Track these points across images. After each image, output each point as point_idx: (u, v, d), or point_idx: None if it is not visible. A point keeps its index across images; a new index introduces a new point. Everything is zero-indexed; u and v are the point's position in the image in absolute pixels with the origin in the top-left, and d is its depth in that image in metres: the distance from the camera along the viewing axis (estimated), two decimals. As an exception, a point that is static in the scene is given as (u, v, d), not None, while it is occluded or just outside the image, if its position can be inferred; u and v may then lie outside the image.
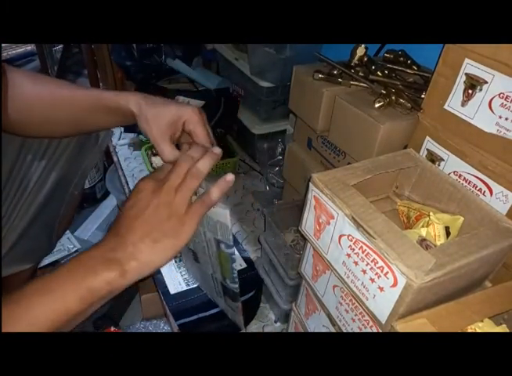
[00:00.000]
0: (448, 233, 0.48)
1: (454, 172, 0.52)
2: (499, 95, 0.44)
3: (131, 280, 0.38)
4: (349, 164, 0.53)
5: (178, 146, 0.51)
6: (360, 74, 0.67)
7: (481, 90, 0.46)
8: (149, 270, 0.40)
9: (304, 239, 0.53)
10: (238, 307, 0.60)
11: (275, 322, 0.78)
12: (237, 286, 0.55)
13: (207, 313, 0.66)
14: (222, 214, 0.45)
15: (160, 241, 0.39)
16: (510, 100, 0.44)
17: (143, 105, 0.49)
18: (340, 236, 0.44)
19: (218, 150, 0.46)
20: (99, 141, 0.69)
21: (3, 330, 0.32)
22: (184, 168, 0.42)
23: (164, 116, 0.49)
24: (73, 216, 0.79)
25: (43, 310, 0.34)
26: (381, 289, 0.40)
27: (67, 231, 0.90)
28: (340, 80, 0.67)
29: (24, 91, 0.51)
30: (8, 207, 0.59)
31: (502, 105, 0.44)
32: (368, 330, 0.46)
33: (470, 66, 0.46)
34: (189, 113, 0.49)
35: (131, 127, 1.08)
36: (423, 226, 0.47)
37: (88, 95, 0.52)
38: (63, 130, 0.57)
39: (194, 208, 0.41)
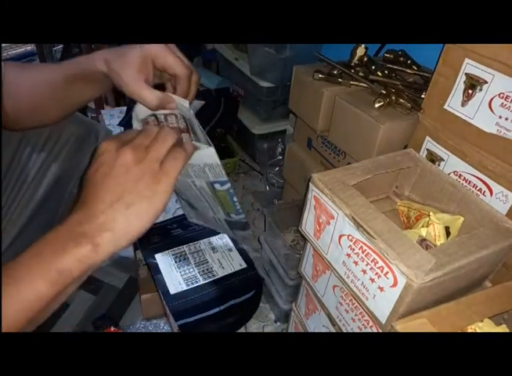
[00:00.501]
0: (448, 233, 0.48)
1: (454, 172, 0.52)
2: (499, 95, 0.44)
3: (105, 253, 0.34)
4: (349, 164, 0.53)
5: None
6: (360, 74, 0.67)
7: (481, 90, 0.46)
8: (126, 240, 0.35)
9: (304, 239, 0.53)
10: (250, 234, 0.58)
11: (276, 322, 0.78)
12: (243, 216, 0.52)
13: (207, 313, 0.66)
14: (207, 154, 0.41)
15: (134, 204, 0.35)
16: (510, 100, 0.44)
17: (110, 59, 0.46)
18: (340, 236, 0.44)
19: (195, 77, 0.46)
20: (99, 138, 0.69)
21: None
22: (154, 129, 0.38)
23: (131, 62, 0.45)
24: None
25: (13, 302, 0.31)
26: (381, 289, 0.40)
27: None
28: (340, 80, 0.67)
29: (10, 82, 0.49)
30: (7, 200, 0.58)
31: (502, 105, 0.44)
32: (368, 330, 0.46)
33: (470, 66, 0.46)
34: (153, 49, 0.45)
35: (131, 127, 1.07)
36: (423, 226, 0.47)
37: (62, 70, 0.50)
38: (51, 113, 0.55)
39: (169, 163, 0.36)
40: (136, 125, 0.49)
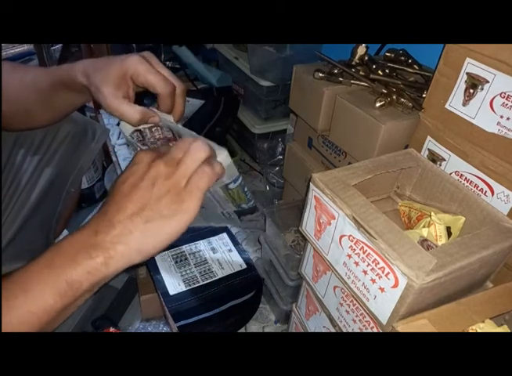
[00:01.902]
0: (449, 234, 0.47)
1: (455, 172, 0.52)
2: (501, 94, 0.44)
3: (117, 268, 0.33)
4: (350, 163, 0.52)
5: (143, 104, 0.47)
6: (361, 73, 0.67)
7: (482, 89, 0.46)
8: (140, 257, 0.34)
9: (305, 239, 0.53)
10: (257, 216, 0.61)
11: (276, 323, 0.78)
12: (254, 201, 0.52)
13: (206, 314, 0.66)
14: (222, 156, 0.40)
15: (154, 221, 0.33)
16: (511, 100, 0.43)
17: (89, 73, 0.44)
18: (341, 237, 0.44)
19: (180, 90, 0.45)
20: (95, 138, 0.68)
21: None
22: (188, 140, 0.36)
23: (110, 77, 0.43)
24: (70, 215, 0.78)
25: (20, 314, 0.31)
26: (382, 290, 0.40)
27: (65, 231, 0.89)
28: (340, 79, 0.67)
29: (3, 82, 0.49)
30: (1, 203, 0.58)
31: (503, 104, 0.44)
32: (369, 330, 0.46)
33: (472, 66, 0.46)
34: (133, 66, 0.43)
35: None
36: (424, 226, 0.47)
37: (47, 75, 0.49)
38: (37, 117, 0.54)
39: (195, 182, 0.35)
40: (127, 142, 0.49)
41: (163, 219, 0.34)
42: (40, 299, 0.31)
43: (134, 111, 0.43)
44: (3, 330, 0.30)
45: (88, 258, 0.32)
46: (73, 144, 0.65)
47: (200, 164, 0.36)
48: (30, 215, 0.61)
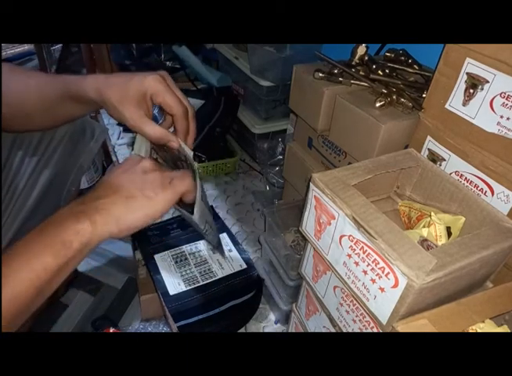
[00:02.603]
0: (449, 234, 0.47)
1: (455, 172, 0.52)
2: (501, 94, 0.44)
3: (100, 233, 0.38)
4: (350, 163, 0.52)
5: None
6: (361, 73, 0.67)
7: (482, 89, 0.46)
8: (117, 229, 0.38)
9: (305, 239, 0.53)
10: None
11: (276, 323, 0.78)
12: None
13: (206, 314, 0.66)
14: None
15: (135, 198, 0.39)
16: (511, 100, 0.43)
17: (104, 90, 0.46)
18: (341, 237, 0.44)
19: (191, 113, 0.50)
20: (94, 136, 0.68)
21: None
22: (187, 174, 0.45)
23: (130, 98, 0.46)
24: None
25: (23, 271, 0.34)
26: (382, 290, 0.40)
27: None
28: (340, 79, 0.67)
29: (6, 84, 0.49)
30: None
31: (503, 104, 0.44)
32: (369, 331, 0.46)
33: (472, 66, 0.46)
34: (151, 86, 0.46)
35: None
36: (424, 227, 0.47)
37: (55, 84, 0.50)
38: (36, 122, 0.55)
39: (177, 180, 0.42)
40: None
41: (144, 199, 0.39)
42: (38, 258, 0.35)
43: (156, 131, 0.47)
44: (12, 287, 0.34)
45: (76, 221, 0.37)
46: (71, 143, 0.65)
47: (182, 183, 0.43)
48: (29, 216, 0.61)
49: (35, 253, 0.35)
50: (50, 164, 0.63)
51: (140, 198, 0.39)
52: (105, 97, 0.46)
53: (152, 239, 0.75)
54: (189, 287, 0.67)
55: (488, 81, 0.45)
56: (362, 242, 0.41)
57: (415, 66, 0.73)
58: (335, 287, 0.50)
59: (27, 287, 0.34)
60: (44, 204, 0.64)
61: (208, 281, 0.68)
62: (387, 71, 0.68)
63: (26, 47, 1.93)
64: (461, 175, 0.51)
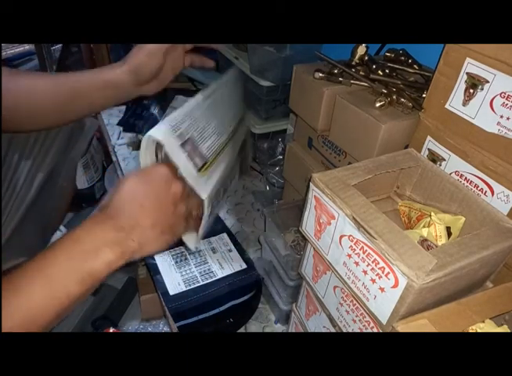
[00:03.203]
0: (449, 234, 0.47)
1: (455, 172, 0.52)
2: (501, 94, 0.44)
3: (124, 262, 0.37)
4: (350, 163, 0.52)
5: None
6: (361, 73, 0.67)
7: (482, 89, 0.46)
8: (142, 256, 0.39)
9: (305, 239, 0.53)
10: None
11: (276, 323, 0.78)
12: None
13: (206, 315, 0.66)
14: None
15: (166, 234, 0.40)
16: (511, 100, 0.43)
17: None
18: (341, 237, 0.44)
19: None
20: (84, 129, 0.69)
21: (3, 321, 0.31)
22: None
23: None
24: (67, 210, 0.78)
25: (45, 297, 0.33)
26: (382, 290, 0.40)
27: (64, 229, 0.89)
28: (340, 79, 0.67)
29: (8, 87, 0.50)
30: None
31: (503, 104, 0.44)
32: (369, 331, 0.46)
33: (472, 66, 0.46)
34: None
35: (131, 127, 1.07)
36: (424, 227, 0.47)
37: (65, 82, 0.53)
38: (50, 120, 0.56)
39: (193, 222, 0.45)
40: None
41: (171, 236, 0.41)
42: (63, 286, 0.34)
43: None
44: (31, 312, 0.32)
45: (110, 252, 0.35)
46: (64, 140, 0.65)
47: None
48: (25, 214, 0.62)
49: (60, 279, 0.34)
50: (43, 167, 0.63)
51: (169, 235, 0.40)
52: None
53: (152, 239, 0.75)
54: (189, 287, 0.66)
55: (488, 81, 0.45)
56: (362, 242, 0.41)
57: (415, 66, 0.73)
58: (335, 287, 0.50)
59: (47, 314, 0.33)
60: (39, 202, 0.64)
61: (208, 281, 0.68)
62: (387, 71, 0.68)
63: (26, 47, 1.93)
64: (461, 175, 0.51)
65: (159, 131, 0.40)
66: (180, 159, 0.41)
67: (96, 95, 0.52)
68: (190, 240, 0.47)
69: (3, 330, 0.31)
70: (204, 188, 0.43)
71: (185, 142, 0.42)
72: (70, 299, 0.34)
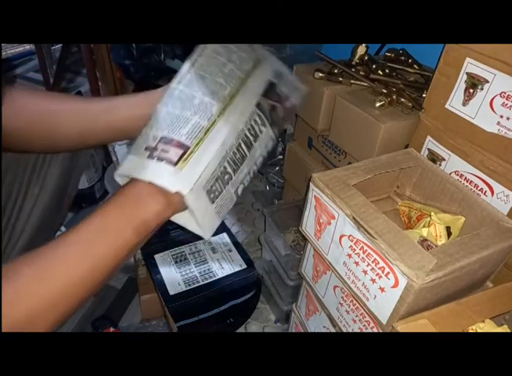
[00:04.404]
0: (449, 234, 0.47)
1: (455, 172, 0.52)
2: (501, 94, 0.44)
3: (171, 214, 0.38)
4: (350, 163, 0.52)
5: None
6: (361, 73, 0.67)
7: (482, 89, 0.46)
8: (183, 208, 0.39)
9: (305, 239, 0.53)
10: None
11: (276, 323, 0.78)
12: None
13: (206, 314, 0.66)
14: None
15: None
16: (511, 100, 0.43)
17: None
18: (341, 237, 0.44)
19: None
20: None
21: (69, 268, 0.33)
22: None
23: None
24: (67, 210, 0.78)
25: (107, 247, 0.35)
26: (382, 289, 0.40)
27: (64, 229, 0.89)
28: (340, 79, 0.67)
29: (27, 107, 0.49)
30: (7, 223, 0.58)
31: (503, 104, 0.44)
32: (369, 330, 0.46)
33: (471, 66, 0.46)
34: None
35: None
36: (424, 226, 0.47)
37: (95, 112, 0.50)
38: (66, 144, 0.54)
39: None
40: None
41: None
42: (122, 236, 0.35)
43: None
44: (94, 261, 0.34)
45: (156, 202, 0.36)
46: (67, 161, 0.64)
47: None
48: (34, 234, 0.60)
49: (118, 230, 0.35)
50: (51, 183, 0.62)
51: None
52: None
53: (152, 239, 0.75)
54: (189, 287, 0.67)
55: (488, 81, 0.45)
56: (362, 242, 0.41)
57: (415, 65, 0.73)
58: (335, 287, 0.50)
59: (110, 262, 0.35)
60: (48, 215, 0.63)
61: (208, 281, 0.68)
62: (387, 71, 0.68)
63: (26, 47, 1.93)
64: (461, 174, 0.51)
65: (123, 169, 0.37)
66: (147, 174, 0.36)
67: (130, 126, 0.49)
68: (198, 230, 0.42)
69: (71, 279, 0.33)
70: (187, 181, 0.37)
71: (153, 148, 0.37)
72: (129, 249, 0.36)
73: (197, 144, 0.37)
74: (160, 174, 0.36)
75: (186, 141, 0.37)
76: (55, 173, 0.62)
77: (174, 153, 0.37)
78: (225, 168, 0.40)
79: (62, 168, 0.63)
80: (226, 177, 0.40)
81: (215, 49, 0.41)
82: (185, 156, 0.37)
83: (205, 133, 0.38)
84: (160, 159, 0.36)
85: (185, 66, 0.40)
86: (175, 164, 0.36)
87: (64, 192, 0.66)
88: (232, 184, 0.41)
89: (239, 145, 0.41)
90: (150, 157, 0.37)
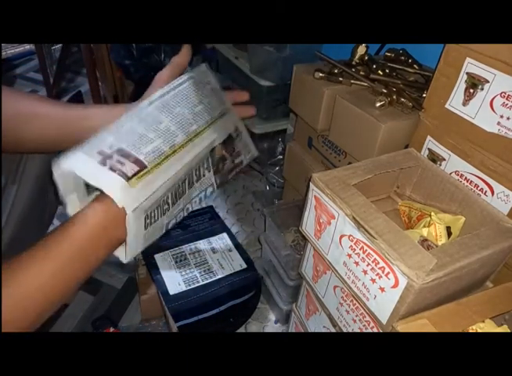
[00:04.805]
0: (449, 234, 0.47)
1: (455, 172, 0.52)
2: (501, 94, 0.44)
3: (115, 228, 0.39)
4: (350, 163, 0.52)
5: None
6: (361, 72, 0.67)
7: (482, 89, 0.46)
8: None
9: (305, 239, 0.53)
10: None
11: (276, 323, 0.78)
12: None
13: (206, 314, 0.66)
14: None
15: None
16: (511, 100, 0.43)
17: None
18: (341, 237, 0.44)
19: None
20: None
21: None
22: None
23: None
24: (55, 209, 0.77)
25: (80, 261, 0.36)
26: (382, 289, 0.40)
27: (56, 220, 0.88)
28: (340, 79, 0.67)
29: (4, 107, 0.47)
30: None
31: (503, 104, 0.44)
32: (369, 330, 0.46)
33: (472, 66, 0.46)
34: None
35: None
36: (424, 226, 0.47)
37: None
38: (39, 147, 0.53)
39: None
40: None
41: None
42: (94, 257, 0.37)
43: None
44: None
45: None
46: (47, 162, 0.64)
47: None
48: (14, 237, 0.60)
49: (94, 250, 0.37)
50: (29, 182, 0.61)
51: None
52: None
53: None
54: (189, 287, 0.67)
55: (488, 81, 0.45)
56: (362, 242, 0.41)
57: (415, 65, 0.73)
58: (335, 287, 0.50)
59: (80, 275, 0.36)
60: (29, 214, 0.62)
61: (208, 281, 0.68)
62: (387, 71, 0.68)
63: (26, 47, 1.93)
64: (461, 174, 0.51)
65: (70, 165, 0.36)
66: (100, 181, 0.35)
67: None
68: (120, 252, 0.41)
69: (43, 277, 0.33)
70: (135, 199, 0.36)
71: (108, 155, 0.36)
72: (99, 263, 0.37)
73: (155, 166, 0.37)
74: (112, 185, 0.35)
75: (145, 160, 0.37)
76: (33, 172, 0.61)
77: (129, 167, 0.36)
78: (167, 198, 0.40)
79: (41, 166, 0.62)
80: (165, 207, 0.41)
81: (189, 88, 0.42)
82: (140, 174, 0.36)
83: (164, 158, 0.38)
84: (113, 169, 0.35)
85: (159, 92, 0.41)
86: (129, 179, 0.35)
87: (46, 190, 0.65)
88: (167, 216, 0.41)
89: (184, 180, 0.41)
90: (102, 163, 0.35)
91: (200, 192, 0.45)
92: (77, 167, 0.35)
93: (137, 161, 0.36)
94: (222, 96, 0.46)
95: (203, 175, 0.44)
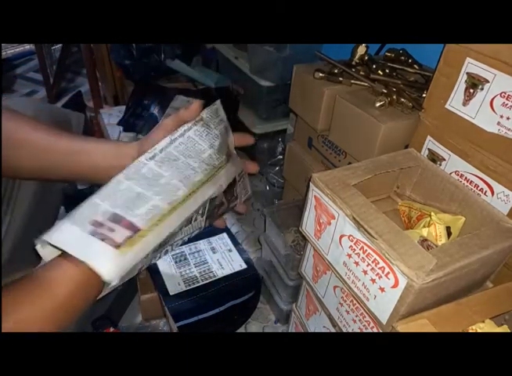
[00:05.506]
0: (449, 234, 0.47)
1: (455, 172, 0.52)
2: (501, 94, 0.44)
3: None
4: (350, 163, 0.52)
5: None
6: (361, 73, 0.67)
7: (482, 89, 0.46)
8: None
9: (305, 239, 0.53)
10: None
11: (276, 323, 0.78)
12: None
13: (206, 314, 0.66)
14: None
15: None
16: (511, 100, 0.43)
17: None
18: (341, 237, 0.44)
19: None
20: (72, 127, 0.65)
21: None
22: None
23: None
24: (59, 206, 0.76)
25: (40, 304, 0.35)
26: (382, 289, 0.40)
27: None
28: (340, 79, 0.67)
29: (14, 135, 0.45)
30: None
31: (503, 104, 0.44)
32: (369, 330, 0.46)
33: (472, 66, 0.46)
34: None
35: (130, 126, 1.07)
36: (424, 226, 0.47)
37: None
38: (27, 176, 0.52)
39: None
40: None
41: None
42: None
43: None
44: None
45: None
46: None
47: None
48: (16, 245, 0.58)
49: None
50: (21, 209, 0.59)
51: None
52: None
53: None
54: (188, 287, 0.66)
55: (488, 81, 0.45)
56: (362, 242, 0.41)
57: (415, 65, 0.73)
58: (335, 287, 0.50)
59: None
60: (23, 240, 0.61)
61: (208, 281, 0.68)
62: (387, 71, 0.68)
63: (26, 47, 1.93)
64: (461, 174, 0.51)
65: (59, 240, 0.33)
66: (87, 254, 0.33)
67: (93, 175, 0.45)
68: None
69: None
70: (122, 268, 0.35)
71: (100, 223, 0.34)
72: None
73: (151, 227, 0.35)
74: (98, 257, 0.33)
75: (138, 222, 0.34)
76: (26, 199, 0.58)
77: (120, 234, 0.34)
78: (152, 249, 0.37)
79: (33, 193, 0.59)
80: (145, 260, 0.39)
81: (199, 131, 0.39)
82: (132, 238, 0.34)
83: (161, 217, 0.36)
84: (103, 239, 0.33)
85: (162, 143, 0.38)
86: (118, 246, 0.33)
87: (39, 214, 0.63)
88: (144, 263, 0.40)
89: (175, 230, 0.38)
90: (93, 234, 0.33)
91: (185, 235, 0.42)
92: (67, 243, 0.33)
93: (129, 225, 0.34)
94: (230, 136, 0.43)
95: (195, 220, 0.41)
